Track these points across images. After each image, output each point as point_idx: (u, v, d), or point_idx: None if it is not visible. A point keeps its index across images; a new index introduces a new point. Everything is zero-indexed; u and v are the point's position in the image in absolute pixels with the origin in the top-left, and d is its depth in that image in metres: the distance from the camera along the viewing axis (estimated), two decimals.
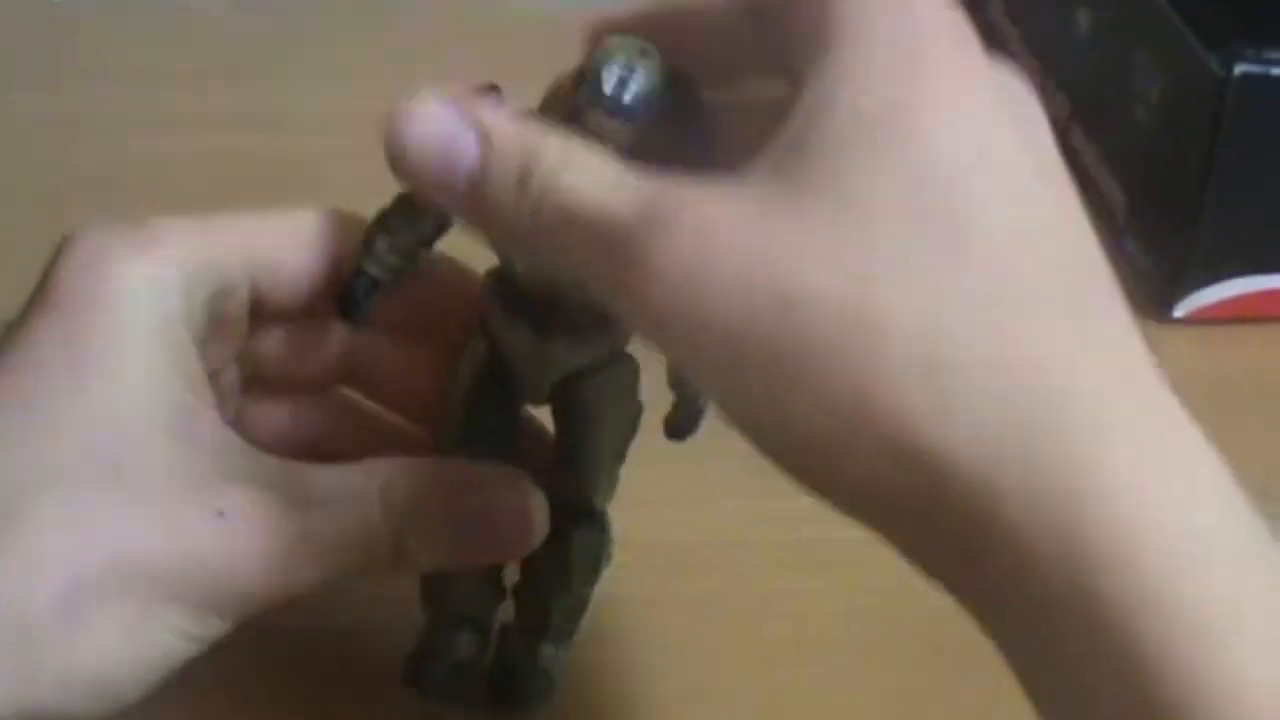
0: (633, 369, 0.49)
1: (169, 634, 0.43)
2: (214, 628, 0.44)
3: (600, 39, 0.43)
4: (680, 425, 0.49)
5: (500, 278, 0.47)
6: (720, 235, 0.36)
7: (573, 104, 0.43)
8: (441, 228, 0.48)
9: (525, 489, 0.47)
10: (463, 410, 0.49)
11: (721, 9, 0.42)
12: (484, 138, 0.40)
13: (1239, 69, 0.66)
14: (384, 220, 0.48)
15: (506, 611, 0.53)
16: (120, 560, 0.42)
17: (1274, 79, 0.66)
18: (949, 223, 0.35)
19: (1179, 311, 0.72)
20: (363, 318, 0.49)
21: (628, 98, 0.42)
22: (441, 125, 0.41)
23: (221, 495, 0.43)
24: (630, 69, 0.42)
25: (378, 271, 0.48)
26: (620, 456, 0.50)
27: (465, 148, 0.40)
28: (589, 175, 0.39)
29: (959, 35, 0.38)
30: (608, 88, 0.42)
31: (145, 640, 0.43)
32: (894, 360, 0.35)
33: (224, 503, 0.43)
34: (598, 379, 0.48)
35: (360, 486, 0.45)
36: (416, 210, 0.48)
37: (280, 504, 0.44)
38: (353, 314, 0.49)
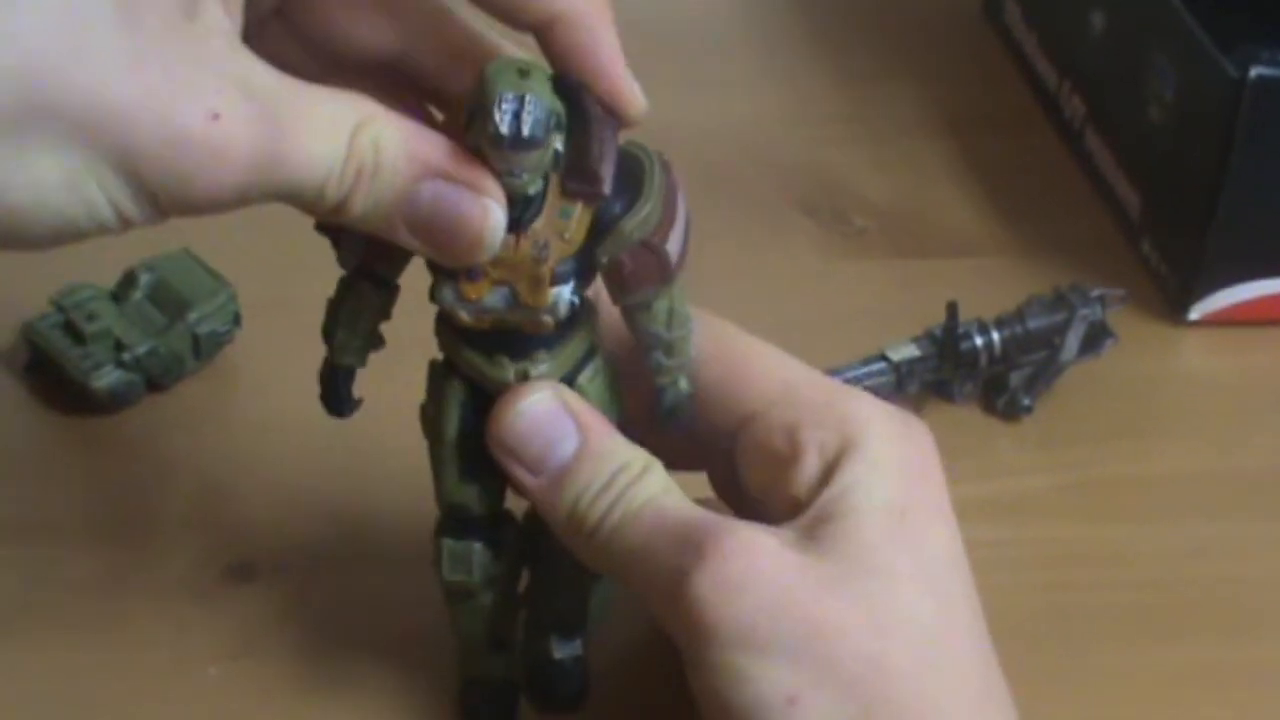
0: (604, 355, 0.49)
1: (105, 205, 0.40)
2: (145, 216, 0.41)
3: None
4: (675, 408, 0.48)
5: (451, 324, 0.47)
6: (768, 560, 0.44)
7: (474, 141, 0.43)
8: (391, 297, 0.48)
9: (489, 207, 0.44)
10: (458, 451, 0.49)
11: None
12: (583, 441, 0.47)
13: (1254, 72, 0.66)
14: (336, 311, 0.48)
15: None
16: (98, 116, 0.39)
17: None
18: (942, 594, 0.45)
19: (1194, 314, 0.72)
20: (352, 410, 0.50)
21: (526, 130, 0.42)
22: (551, 419, 0.47)
23: (221, 94, 0.40)
24: (519, 99, 0.42)
25: (349, 361, 0.49)
26: None
27: (565, 446, 0.47)
28: (663, 483, 0.47)
29: (936, 462, 0.48)
30: (504, 128, 0.42)
31: (80, 197, 0.40)
32: (900, 706, 0.43)
33: (222, 103, 0.40)
34: (588, 372, 0.48)
35: (341, 118, 0.43)
36: (361, 290, 0.48)
37: (270, 121, 0.41)
38: (342, 410, 0.49)
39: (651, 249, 0.45)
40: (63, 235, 0.41)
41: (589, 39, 0.45)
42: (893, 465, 0.46)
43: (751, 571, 0.43)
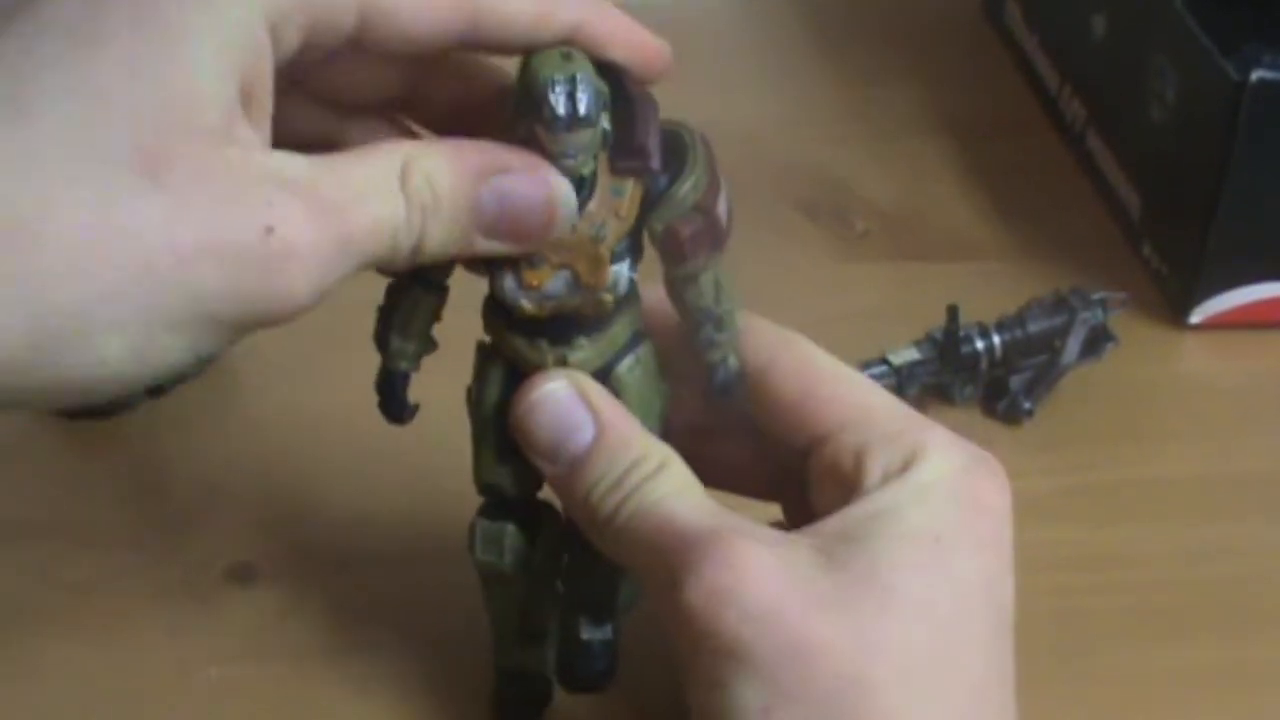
0: (651, 345, 0.49)
1: (178, 353, 0.40)
2: (222, 347, 0.42)
3: None
4: (726, 385, 0.48)
5: (498, 305, 0.47)
6: (760, 573, 0.43)
7: (525, 132, 0.44)
8: (442, 299, 0.48)
9: (549, 179, 0.44)
10: (495, 431, 0.49)
11: None
12: (599, 432, 0.47)
13: (1256, 75, 0.66)
14: (388, 317, 0.48)
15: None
16: (156, 269, 0.39)
17: None
18: (949, 623, 0.44)
19: (1195, 317, 0.72)
20: (411, 416, 0.50)
21: (583, 109, 0.43)
22: (565, 409, 0.47)
23: (272, 208, 0.40)
24: (571, 80, 0.43)
25: (405, 366, 0.49)
26: (662, 433, 0.49)
27: (580, 437, 0.47)
28: (680, 481, 0.46)
29: (1000, 500, 0.46)
30: (560, 109, 0.43)
31: (149, 360, 0.40)
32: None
33: (274, 216, 0.40)
34: (628, 362, 0.48)
35: (384, 173, 0.43)
36: (412, 295, 0.48)
37: (323, 209, 0.41)
38: (401, 417, 0.50)
39: (704, 212, 0.46)
40: (128, 389, 0.42)
41: (609, 26, 0.46)
42: (940, 494, 0.46)
43: (741, 584, 0.43)
